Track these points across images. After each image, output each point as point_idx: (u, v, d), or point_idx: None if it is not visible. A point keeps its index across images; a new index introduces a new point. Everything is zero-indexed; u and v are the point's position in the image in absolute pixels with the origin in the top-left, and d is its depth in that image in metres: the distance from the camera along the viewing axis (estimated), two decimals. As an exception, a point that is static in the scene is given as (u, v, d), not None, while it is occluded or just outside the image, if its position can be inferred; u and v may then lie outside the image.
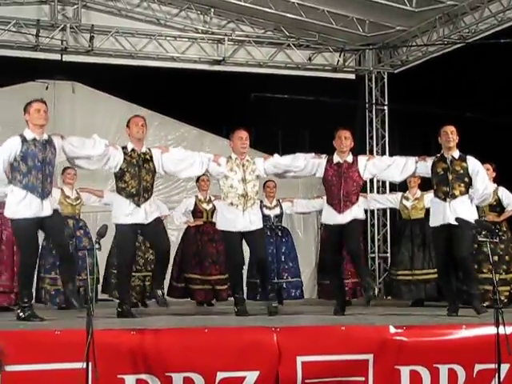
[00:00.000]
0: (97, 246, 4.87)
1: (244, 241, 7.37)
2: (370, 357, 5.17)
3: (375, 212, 12.73)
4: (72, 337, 4.79)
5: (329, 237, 7.60)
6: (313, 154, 7.47)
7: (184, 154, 7.29)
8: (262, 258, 7.43)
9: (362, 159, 7.40)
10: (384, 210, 12.67)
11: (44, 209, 6.28)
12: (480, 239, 7.27)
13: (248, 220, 7.26)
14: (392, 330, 5.28)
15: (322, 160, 7.38)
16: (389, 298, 10.53)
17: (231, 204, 7.25)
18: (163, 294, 7.17)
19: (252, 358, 5.00)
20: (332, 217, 7.32)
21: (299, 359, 5.07)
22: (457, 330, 5.42)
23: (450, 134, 7.08)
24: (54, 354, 4.73)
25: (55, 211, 6.44)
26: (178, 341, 5.01)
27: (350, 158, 7.33)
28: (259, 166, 7.39)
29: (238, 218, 7.23)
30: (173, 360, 4.92)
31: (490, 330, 5.12)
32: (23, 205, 6.21)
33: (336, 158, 7.34)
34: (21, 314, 6.22)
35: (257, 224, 7.34)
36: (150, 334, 5.00)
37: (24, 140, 6.25)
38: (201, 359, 4.94)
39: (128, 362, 4.84)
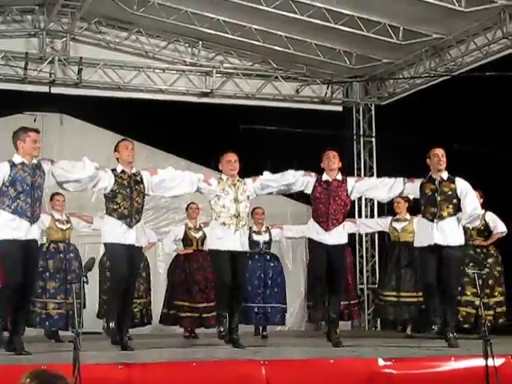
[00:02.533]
0: (84, 279, 4.85)
1: None
2: (359, 390, 5.16)
3: (363, 243, 12.75)
4: (58, 371, 4.73)
5: (316, 254, 7.53)
6: (303, 172, 7.50)
7: (173, 174, 7.28)
8: (239, 283, 7.37)
9: (350, 179, 7.48)
10: (372, 242, 12.70)
11: (32, 232, 6.29)
12: (468, 271, 7.30)
13: (238, 240, 7.23)
14: (381, 362, 5.27)
15: (312, 178, 7.42)
16: (377, 329, 10.56)
17: (223, 224, 7.22)
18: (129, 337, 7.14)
19: (241, 392, 4.98)
20: (319, 234, 7.34)
21: (288, 393, 5.05)
22: (446, 362, 5.43)
23: (441, 157, 7.15)
24: (41, 389, 4.68)
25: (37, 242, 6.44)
26: (166, 375, 4.98)
27: (339, 177, 7.40)
28: (249, 187, 7.40)
29: (229, 237, 7.20)
30: (161, 394, 4.89)
31: (479, 362, 5.11)
32: (11, 227, 6.21)
33: (325, 177, 7.39)
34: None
35: (246, 246, 7.36)
36: (138, 368, 4.97)
37: (13, 165, 6.28)
38: (189, 393, 4.91)
39: (115, 396, 4.80)
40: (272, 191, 7.63)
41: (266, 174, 7.51)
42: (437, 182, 7.13)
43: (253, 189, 7.42)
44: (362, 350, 6.87)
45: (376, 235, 12.44)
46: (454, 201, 7.09)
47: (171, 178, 7.21)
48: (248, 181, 7.44)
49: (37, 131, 6.49)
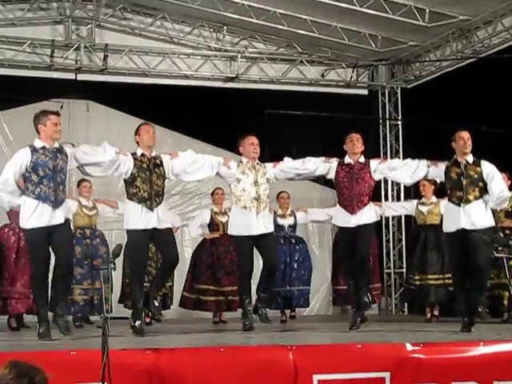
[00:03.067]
0: (112, 265, 4.87)
1: (255, 246, 7.35)
2: (386, 375, 5.13)
3: (390, 227, 12.69)
4: (87, 357, 4.78)
5: (341, 240, 7.56)
6: (323, 158, 7.49)
7: (193, 157, 7.29)
8: (273, 262, 7.39)
9: (374, 161, 7.47)
10: (399, 225, 12.64)
11: (56, 217, 6.31)
12: (497, 255, 7.22)
13: (262, 223, 7.26)
14: (409, 347, 5.24)
15: (333, 163, 7.41)
16: (404, 313, 10.54)
17: (244, 207, 7.24)
18: (159, 304, 7.16)
19: (268, 377, 4.97)
20: (345, 218, 7.34)
21: (315, 377, 5.03)
22: (475, 347, 5.37)
23: (467, 140, 7.06)
24: (70, 375, 4.70)
25: (67, 223, 6.48)
26: (193, 360, 4.99)
27: (362, 159, 7.39)
28: (269, 170, 7.42)
29: (252, 221, 7.22)
30: (189, 379, 4.89)
31: (509, 347, 5.08)
32: (35, 215, 6.25)
33: (347, 160, 7.40)
34: (39, 329, 6.24)
35: (270, 227, 7.37)
36: (166, 353, 4.98)
37: (34, 150, 6.30)
38: (217, 378, 4.92)
39: (144, 381, 4.82)
40: (292, 177, 7.62)
41: (287, 160, 7.50)
42: (462, 166, 7.04)
43: (273, 173, 7.44)
44: (389, 334, 6.86)
45: (403, 219, 12.37)
46: (480, 184, 7.01)
47: (192, 162, 7.22)
48: (268, 165, 7.45)
49: (57, 114, 6.51)
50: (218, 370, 4.94)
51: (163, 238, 6.94)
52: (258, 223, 7.24)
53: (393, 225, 12.71)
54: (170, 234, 7.06)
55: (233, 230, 7.43)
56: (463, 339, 5.97)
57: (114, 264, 4.88)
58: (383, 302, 12.04)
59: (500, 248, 7.23)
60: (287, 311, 9.74)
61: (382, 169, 7.42)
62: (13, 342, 6.60)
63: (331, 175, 7.45)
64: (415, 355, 5.20)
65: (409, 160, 7.52)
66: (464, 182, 7.00)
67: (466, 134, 7.11)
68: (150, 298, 7.07)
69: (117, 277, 9.02)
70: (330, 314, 12.08)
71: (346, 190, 7.32)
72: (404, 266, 12.12)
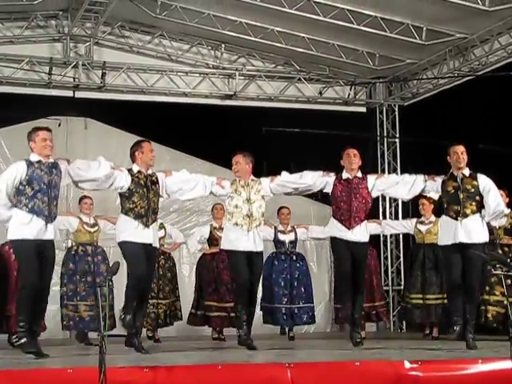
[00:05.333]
0: (110, 282, 4.86)
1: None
2: (385, 393, 5.12)
3: (388, 244, 12.69)
4: (84, 375, 4.75)
5: (338, 251, 7.41)
6: (321, 172, 7.48)
7: (187, 176, 7.31)
8: (254, 281, 7.37)
9: (371, 177, 7.45)
10: (397, 243, 12.64)
11: (48, 232, 6.26)
12: (494, 273, 7.22)
13: (252, 241, 7.27)
14: (407, 365, 5.21)
15: (331, 177, 7.41)
16: (402, 331, 10.51)
17: (236, 224, 7.27)
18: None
19: (266, 395, 4.96)
20: (341, 232, 7.31)
21: (314, 396, 5.02)
22: (473, 365, 5.35)
23: (461, 155, 7.04)
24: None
25: (53, 242, 6.40)
26: (191, 378, 4.97)
27: (359, 174, 7.39)
28: (265, 186, 7.42)
29: (242, 237, 7.24)
30: (186, 397, 4.89)
31: (507, 365, 5.06)
32: (27, 227, 6.19)
33: (345, 175, 7.38)
34: (15, 339, 6.11)
35: (259, 247, 7.37)
36: (164, 371, 4.96)
37: (29, 163, 6.26)
38: (214, 396, 4.91)
39: (141, 399, 4.81)
40: (289, 192, 7.63)
41: (284, 175, 7.51)
42: (459, 179, 7.03)
43: (269, 188, 7.45)
44: (387, 352, 6.84)
45: (401, 236, 12.38)
46: (477, 197, 6.99)
47: (185, 181, 7.24)
48: (264, 180, 7.46)
49: (47, 129, 6.42)
50: (216, 388, 4.92)
51: (151, 262, 6.94)
52: (249, 240, 7.26)
53: (391, 242, 12.72)
54: (156, 259, 7.13)
55: (225, 245, 7.46)
56: (461, 357, 5.94)
57: (112, 281, 4.87)
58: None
59: (498, 265, 7.25)
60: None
61: (378, 184, 7.40)
62: (13, 359, 6.56)
63: (328, 189, 7.44)
64: (413, 373, 5.18)
65: (406, 175, 7.51)
66: (461, 196, 6.98)
67: (459, 149, 7.09)
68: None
69: (119, 294, 9.03)
70: (328, 332, 12.05)
71: (344, 205, 7.31)
72: (402, 283, 12.11)
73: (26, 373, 4.94)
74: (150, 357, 6.42)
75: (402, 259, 12.51)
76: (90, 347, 8.05)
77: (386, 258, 12.73)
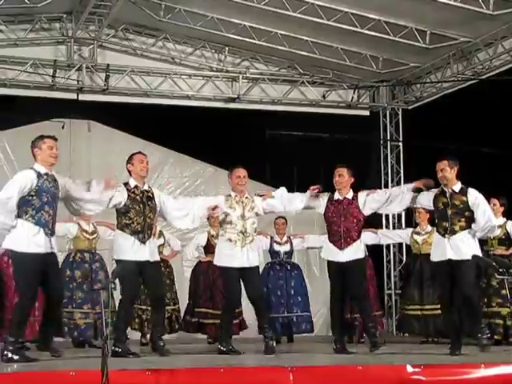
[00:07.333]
0: (112, 285, 4.87)
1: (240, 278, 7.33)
2: (387, 397, 5.11)
3: (391, 248, 12.68)
4: (87, 378, 4.76)
5: (330, 275, 7.38)
6: (308, 195, 7.39)
7: (182, 204, 7.30)
8: (258, 295, 7.39)
9: (361, 195, 7.38)
10: (400, 247, 12.62)
11: (51, 245, 6.17)
12: (498, 277, 7.18)
13: (246, 257, 7.26)
14: (409, 369, 5.21)
15: (324, 199, 7.39)
16: (405, 334, 10.49)
17: (229, 240, 7.26)
18: (164, 344, 6.90)
19: (268, 398, 4.96)
20: (333, 254, 7.31)
21: (316, 399, 5.02)
22: (476, 369, 5.34)
23: (440, 172, 6.94)
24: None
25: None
26: (193, 381, 4.97)
27: (349, 195, 7.35)
28: (258, 205, 7.42)
29: (235, 254, 7.23)
30: (188, 400, 4.89)
31: (510, 369, 5.05)
32: (34, 240, 6.07)
33: (336, 195, 7.38)
34: (8, 354, 5.91)
35: (254, 262, 7.35)
36: (166, 374, 4.95)
37: (39, 174, 6.17)
38: (217, 400, 4.91)
39: (143, 402, 4.81)
40: (281, 211, 7.63)
41: (276, 198, 7.46)
42: (448, 195, 6.91)
43: (262, 208, 7.45)
44: (390, 356, 6.83)
45: (403, 240, 12.34)
46: (467, 213, 6.86)
47: (177, 208, 7.18)
48: (257, 199, 7.46)
49: (54, 138, 6.33)
50: (218, 391, 4.93)
51: (153, 274, 6.89)
52: (242, 257, 7.25)
53: (394, 245, 12.69)
54: (159, 270, 7.11)
55: (218, 261, 7.43)
56: (464, 361, 5.93)
57: (115, 284, 4.88)
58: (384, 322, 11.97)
59: (501, 270, 7.22)
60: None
61: (370, 201, 7.32)
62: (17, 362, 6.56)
63: (321, 210, 7.42)
64: (416, 377, 5.17)
65: (393, 189, 7.45)
66: (449, 212, 6.88)
67: (439, 165, 6.96)
68: (155, 339, 6.96)
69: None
70: (330, 335, 12.01)
71: (335, 226, 7.30)
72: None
73: (30, 375, 4.94)
74: (153, 360, 6.41)
75: (404, 263, 12.46)
76: (91, 350, 8.04)
77: (388, 262, 12.72)
